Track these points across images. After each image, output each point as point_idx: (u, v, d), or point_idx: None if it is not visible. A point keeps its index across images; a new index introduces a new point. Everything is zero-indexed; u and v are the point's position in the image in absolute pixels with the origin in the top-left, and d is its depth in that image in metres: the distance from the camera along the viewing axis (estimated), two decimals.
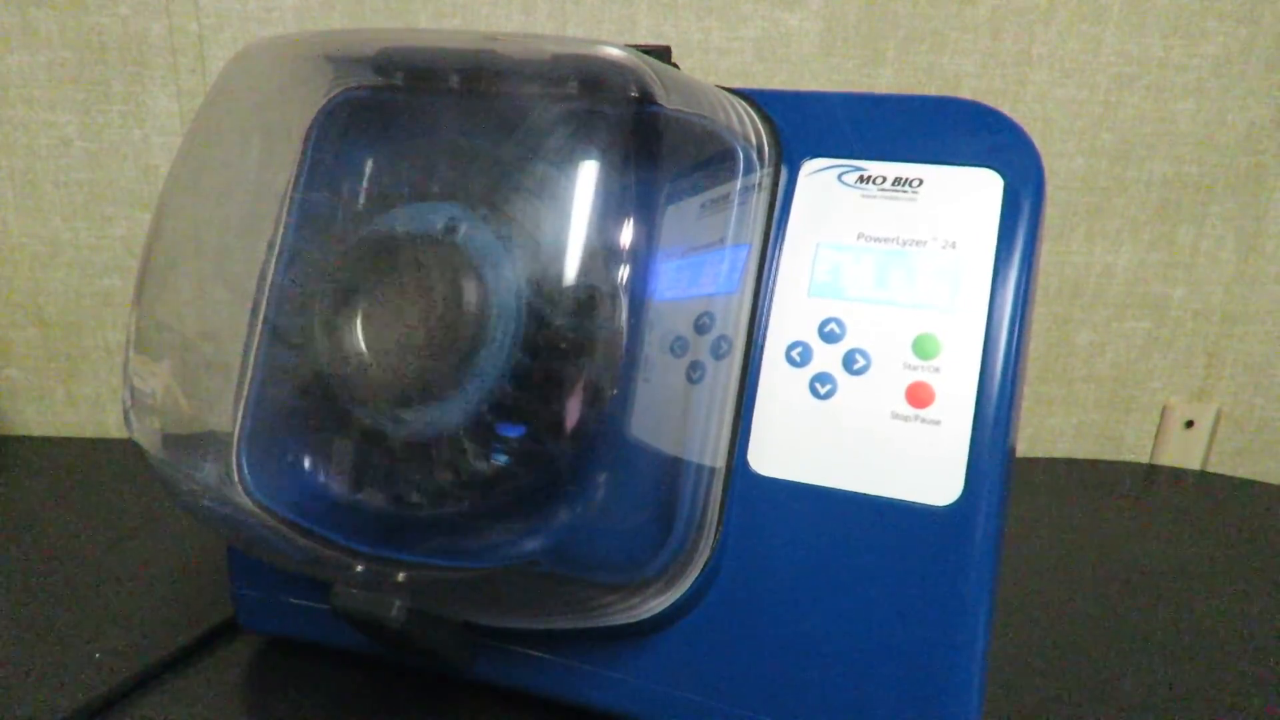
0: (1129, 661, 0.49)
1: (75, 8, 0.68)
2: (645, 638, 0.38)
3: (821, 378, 0.37)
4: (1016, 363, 0.35)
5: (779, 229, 0.39)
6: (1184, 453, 0.83)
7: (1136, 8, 0.71)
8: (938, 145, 0.38)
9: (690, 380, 0.36)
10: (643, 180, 0.34)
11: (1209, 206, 0.76)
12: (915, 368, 0.36)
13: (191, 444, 0.39)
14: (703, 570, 0.36)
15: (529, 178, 0.35)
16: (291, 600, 0.44)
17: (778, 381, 0.37)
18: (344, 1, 0.70)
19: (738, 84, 0.41)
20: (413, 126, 0.39)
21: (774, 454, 0.37)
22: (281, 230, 0.40)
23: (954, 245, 0.37)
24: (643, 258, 0.34)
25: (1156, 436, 0.83)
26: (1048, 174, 0.37)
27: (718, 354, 0.36)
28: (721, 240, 0.37)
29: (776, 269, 0.38)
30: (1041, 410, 0.83)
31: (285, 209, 0.40)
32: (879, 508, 0.35)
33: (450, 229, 0.33)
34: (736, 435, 0.37)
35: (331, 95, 0.40)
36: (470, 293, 0.33)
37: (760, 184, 0.38)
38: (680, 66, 0.39)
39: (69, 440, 0.78)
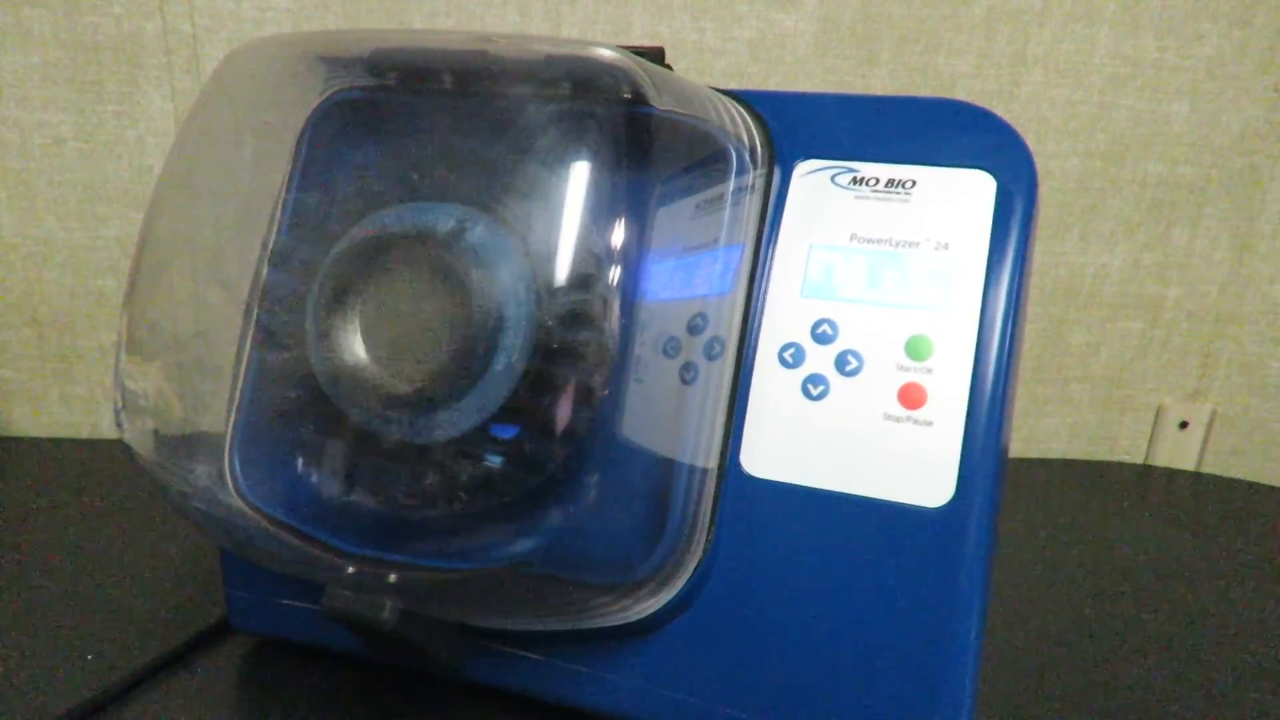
0: (1123, 661, 0.49)
1: (69, 7, 0.68)
2: (637, 639, 0.38)
3: (814, 379, 0.37)
4: (1009, 364, 0.35)
5: (772, 230, 0.39)
6: (1178, 453, 0.83)
7: (1130, 9, 0.71)
8: (930, 147, 0.38)
9: (683, 381, 0.36)
10: (635, 181, 0.34)
11: (1203, 207, 0.76)
12: (908, 369, 0.36)
13: (184, 445, 0.39)
14: (695, 571, 0.36)
15: (521, 178, 0.35)
16: (283, 601, 0.44)
17: (770, 382, 0.37)
18: (338, 2, 0.69)
19: (732, 85, 0.41)
20: (406, 127, 0.39)
21: (766, 455, 0.37)
22: (275, 231, 0.40)
23: (947, 246, 0.37)
24: (635, 259, 0.34)
25: (1151, 437, 0.84)
26: (1042, 175, 0.37)
27: (710, 355, 0.36)
28: (714, 241, 0.37)
29: (769, 270, 0.38)
30: (1036, 411, 0.83)
31: (278, 209, 0.40)
32: (871, 509, 0.35)
33: (447, 229, 0.33)
34: (729, 436, 0.37)
35: (325, 95, 0.40)
36: (463, 294, 0.33)
37: (753, 185, 0.38)
38: (674, 68, 0.39)
39: (62, 441, 0.77)
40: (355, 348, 0.35)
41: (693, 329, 0.36)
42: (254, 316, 0.40)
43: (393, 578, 0.33)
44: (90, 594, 0.51)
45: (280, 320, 0.38)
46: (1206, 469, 0.84)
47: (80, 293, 0.75)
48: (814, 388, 0.37)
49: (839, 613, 0.35)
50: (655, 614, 0.36)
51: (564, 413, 0.32)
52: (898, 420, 0.36)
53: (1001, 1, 0.71)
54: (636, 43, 0.47)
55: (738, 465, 0.37)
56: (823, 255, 0.38)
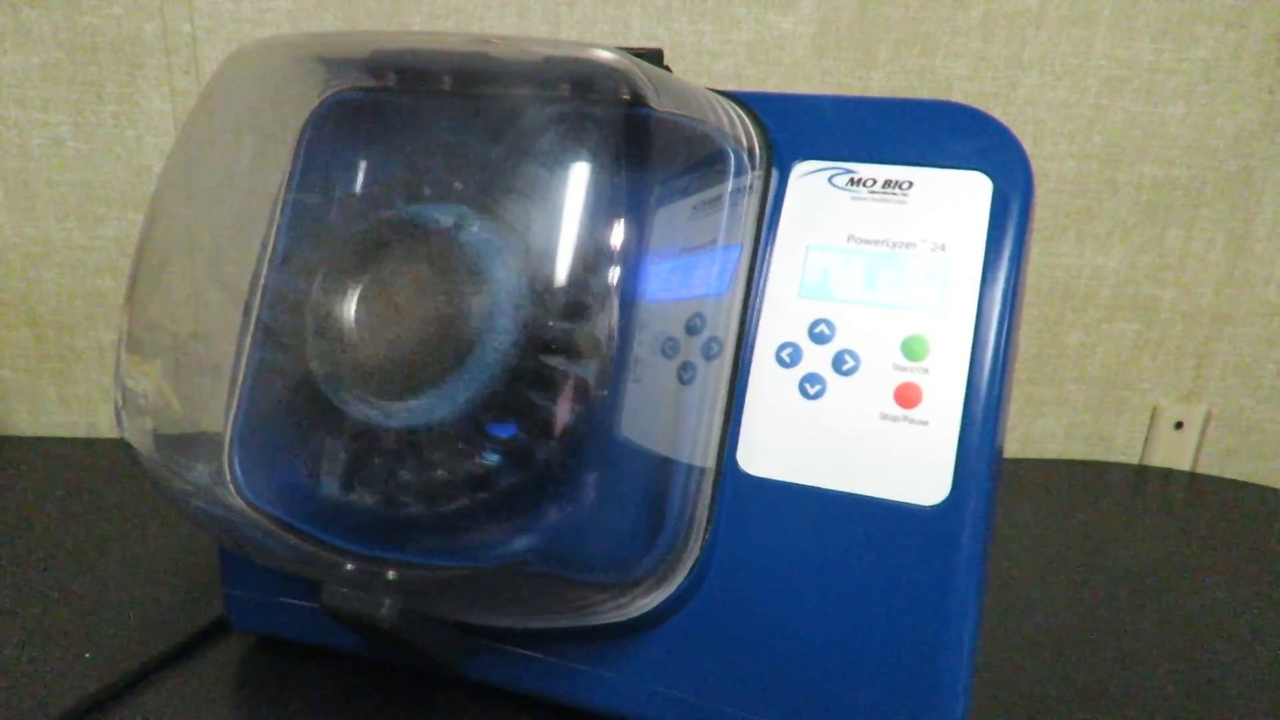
0: (1118, 661, 0.49)
1: (69, 8, 0.68)
2: (635, 637, 0.38)
3: (811, 378, 0.37)
4: (1005, 364, 0.35)
5: (769, 231, 0.39)
6: (1174, 454, 0.83)
7: (1126, 12, 0.71)
8: (927, 148, 0.38)
9: (681, 381, 0.36)
10: (634, 182, 0.34)
11: (1198, 209, 0.77)
12: (904, 369, 0.36)
13: (183, 444, 0.39)
14: (692, 570, 0.36)
15: (520, 179, 0.35)
16: (282, 600, 0.44)
17: (768, 382, 0.38)
18: (337, 3, 0.70)
19: (730, 87, 0.41)
20: (405, 128, 0.39)
21: (763, 454, 0.37)
22: (274, 231, 0.40)
23: (943, 247, 0.37)
24: (634, 259, 0.34)
25: (1146, 438, 0.84)
26: (1038, 177, 0.38)
27: (708, 355, 0.37)
28: (712, 242, 0.37)
29: (767, 270, 0.39)
30: (1032, 412, 0.83)
31: (278, 210, 0.40)
32: (867, 508, 0.35)
33: (443, 229, 0.34)
34: (726, 435, 0.37)
35: (324, 97, 0.40)
36: (461, 293, 0.33)
37: (751, 186, 0.38)
38: (673, 70, 0.39)
39: (61, 441, 0.77)
40: (352, 344, 0.35)
41: (691, 329, 0.36)
42: (253, 316, 0.40)
43: (391, 575, 0.33)
44: (88, 593, 0.51)
45: (279, 320, 0.39)
46: (1202, 469, 0.84)
47: (79, 293, 0.76)
48: (811, 387, 0.37)
49: (835, 611, 0.36)
50: (652, 612, 0.36)
51: (562, 412, 0.33)
52: (894, 419, 0.36)
53: (998, 5, 0.71)
54: (635, 45, 0.47)
55: (735, 464, 0.37)
56: (820, 256, 0.38)
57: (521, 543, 0.33)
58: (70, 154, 0.72)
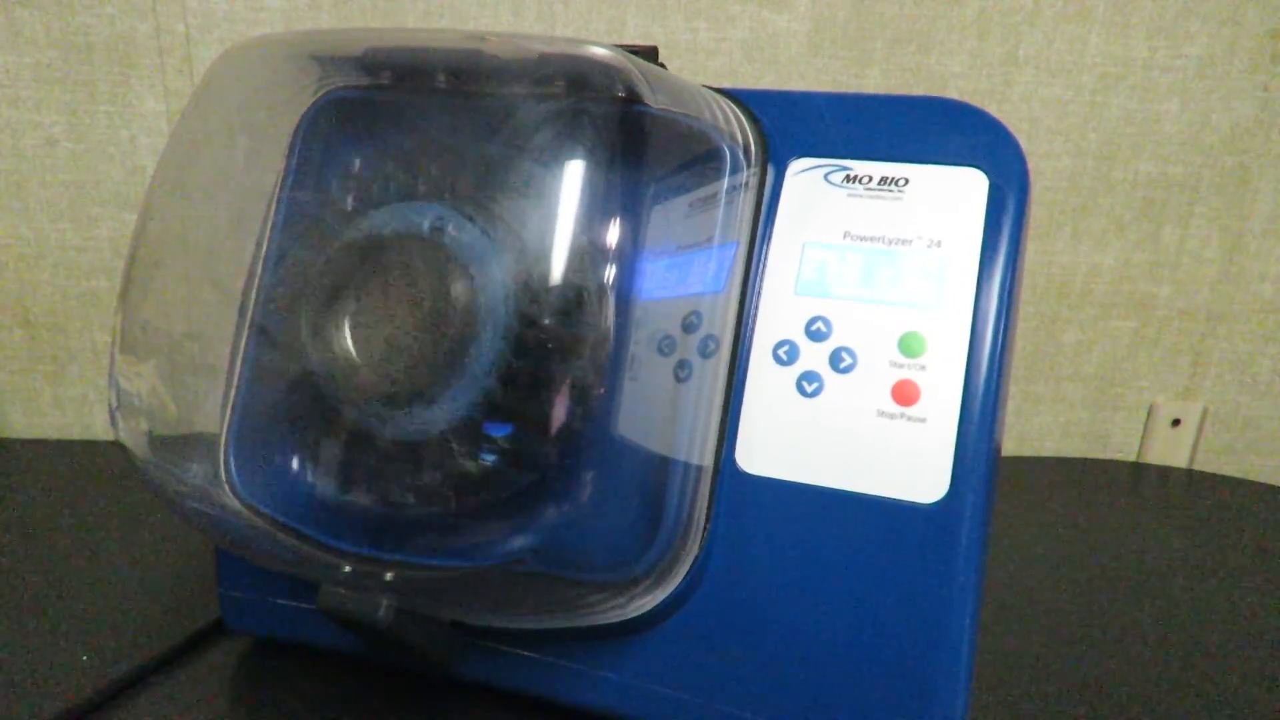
0: (1115, 657, 0.49)
1: (61, 8, 0.68)
2: (633, 636, 0.38)
3: (808, 376, 0.37)
4: (1002, 360, 0.35)
5: (766, 228, 0.39)
6: (1170, 451, 0.84)
7: (1121, 9, 0.72)
8: (923, 145, 0.38)
9: (678, 379, 0.36)
10: (629, 179, 0.34)
11: (1194, 206, 0.77)
12: (901, 366, 0.36)
13: (178, 445, 0.39)
14: (690, 569, 0.36)
15: (516, 177, 0.35)
16: (278, 601, 0.43)
17: (765, 380, 0.38)
18: (331, 1, 0.69)
19: (725, 84, 0.41)
20: (400, 126, 0.39)
21: (761, 452, 0.37)
22: (268, 230, 0.40)
23: (939, 244, 0.37)
24: (629, 257, 0.34)
25: (1143, 435, 0.84)
26: (1034, 174, 0.38)
27: (705, 353, 0.37)
28: (708, 239, 0.37)
29: (763, 268, 0.39)
30: (1029, 409, 0.83)
31: (272, 209, 0.40)
32: (865, 505, 0.35)
33: (436, 228, 0.33)
34: (724, 434, 0.37)
35: (318, 95, 0.40)
36: (457, 292, 0.33)
37: (747, 183, 0.38)
38: (668, 67, 0.39)
39: (55, 443, 0.77)
40: (348, 346, 0.35)
41: (687, 327, 0.36)
42: (248, 316, 0.40)
43: (389, 576, 0.33)
44: (85, 594, 0.51)
45: (274, 319, 0.38)
46: (1198, 466, 0.84)
47: (73, 294, 0.75)
48: (808, 385, 0.37)
49: (834, 609, 0.35)
50: (651, 611, 0.36)
51: (559, 410, 0.33)
52: (891, 417, 0.36)
53: (993, 2, 0.71)
54: (630, 42, 0.47)
55: (732, 462, 0.37)
56: (816, 253, 0.38)
57: (519, 542, 0.33)
58: (64, 154, 0.72)
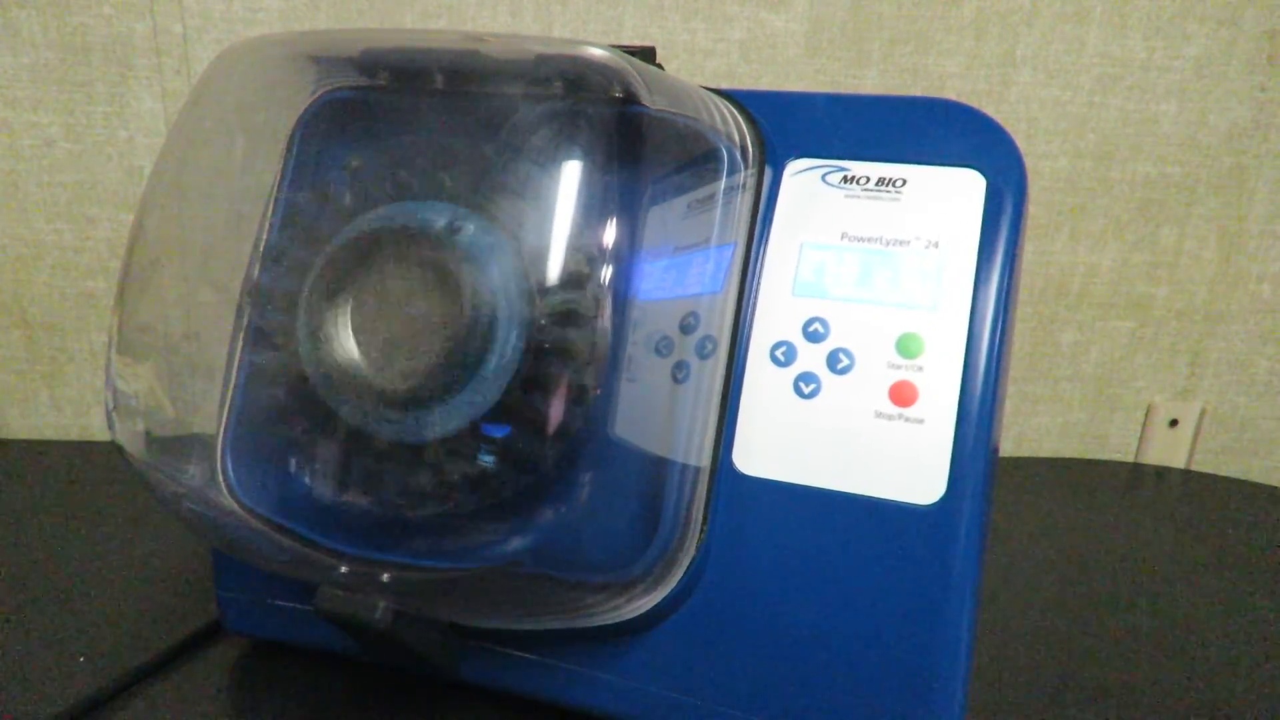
0: (1113, 658, 0.49)
1: (59, 8, 0.68)
2: (631, 638, 0.38)
3: (805, 377, 0.37)
4: (999, 361, 0.35)
5: (763, 229, 0.39)
6: (1168, 451, 0.84)
7: (1119, 10, 0.72)
8: (921, 145, 0.38)
9: (675, 380, 0.36)
10: (627, 180, 0.34)
11: (1191, 206, 0.77)
12: (899, 367, 0.36)
13: (175, 446, 0.39)
14: (688, 570, 0.36)
15: (513, 177, 0.35)
16: (276, 602, 0.43)
17: (762, 381, 0.38)
18: (328, 2, 0.69)
19: (723, 85, 0.41)
20: (397, 127, 0.39)
21: (758, 453, 0.37)
22: (266, 231, 0.40)
23: (937, 245, 0.37)
24: (627, 258, 0.34)
25: (1141, 435, 0.84)
26: (1031, 175, 0.38)
27: (703, 353, 0.37)
28: (706, 240, 0.37)
29: (761, 269, 0.39)
30: (1027, 410, 0.83)
31: (269, 209, 0.40)
32: (863, 507, 0.35)
33: (449, 229, 0.33)
34: (721, 435, 0.37)
35: (316, 95, 0.40)
36: (456, 293, 0.33)
37: (744, 184, 0.38)
38: (665, 68, 0.39)
39: (53, 443, 0.77)
40: (347, 347, 0.35)
41: (685, 328, 0.36)
42: (245, 317, 0.40)
43: (386, 577, 0.33)
44: (81, 596, 0.51)
45: (272, 320, 0.38)
46: (1196, 467, 0.84)
47: (70, 294, 0.75)
48: (806, 386, 0.37)
49: (831, 610, 0.35)
50: (648, 613, 0.36)
51: (556, 412, 0.33)
52: (889, 418, 0.36)
53: (991, 2, 0.71)
54: (628, 43, 0.47)
55: (730, 463, 0.37)
56: (814, 254, 0.38)
57: (516, 544, 0.33)
58: (61, 155, 0.71)
